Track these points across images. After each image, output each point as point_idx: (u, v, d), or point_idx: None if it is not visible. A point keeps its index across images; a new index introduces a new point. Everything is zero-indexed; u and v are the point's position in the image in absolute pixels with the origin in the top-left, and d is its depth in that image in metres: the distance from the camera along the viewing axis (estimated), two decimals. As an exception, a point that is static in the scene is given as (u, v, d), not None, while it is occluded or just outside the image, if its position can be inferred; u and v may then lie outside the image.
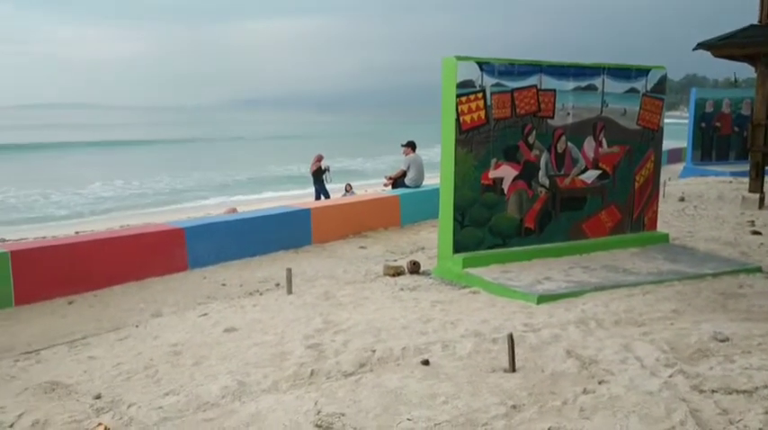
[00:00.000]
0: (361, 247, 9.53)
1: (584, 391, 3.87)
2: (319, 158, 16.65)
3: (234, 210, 13.91)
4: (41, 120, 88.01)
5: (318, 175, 16.49)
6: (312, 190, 16.87)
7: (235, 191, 22.43)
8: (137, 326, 5.95)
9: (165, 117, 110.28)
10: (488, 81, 7.02)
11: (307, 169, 17.01)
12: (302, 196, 17.63)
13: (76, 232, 12.27)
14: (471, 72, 6.92)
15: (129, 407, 3.99)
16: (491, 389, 3.96)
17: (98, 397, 4.22)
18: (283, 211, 9.98)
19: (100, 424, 3.70)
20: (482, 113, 7.02)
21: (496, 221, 7.31)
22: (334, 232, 10.05)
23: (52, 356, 5.25)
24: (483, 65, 6.97)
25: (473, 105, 6.95)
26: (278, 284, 7.35)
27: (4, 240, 12.49)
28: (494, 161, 7.19)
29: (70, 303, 6.96)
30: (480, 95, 6.99)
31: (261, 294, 7.02)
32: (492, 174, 7.21)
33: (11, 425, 3.89)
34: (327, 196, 16.04)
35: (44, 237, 11.69)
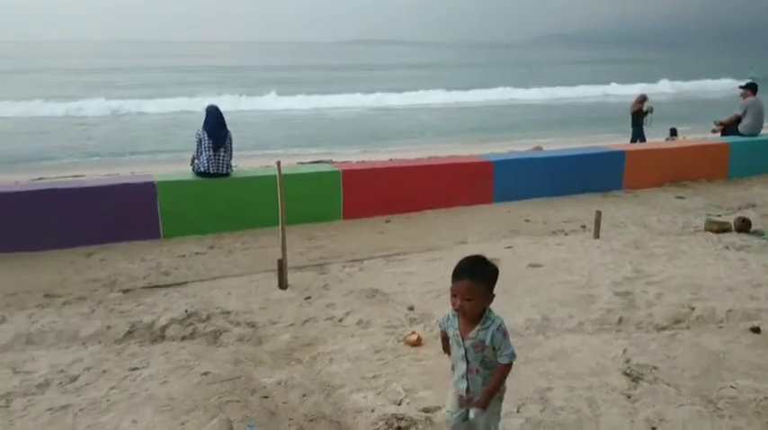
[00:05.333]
0: (679, 197, 8.73)
1: None
2: (642, 99, 15.30)
3: (539, 148, 13.70)
4: (365, 59, 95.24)
5: (638, 117, 15.24)
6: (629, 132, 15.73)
7: (541, 130, 22.02)
8: (444, 250, 6.26)
9: (486, 55, 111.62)
10: None
11: (626, 111, 15.77)
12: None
13: (390, 159, 13.23)
14: None
15: (436, 322, 4.23)
16: (842, 373, 3.37)
17: (411, 308, 4.57)
18: (594, 152, 9.55)
19: (414, 332, 4.00)
20: None
21: None
22: (648, 178, 9.36)
23: (372, 266, 5.80)
24: None
25: None
26: (584, 226, 7.12)
27: (332, 161, 14.02)
28: None
29: (387, 221, 7.58)
30: None
31: (566, 234, 6.87)
32: None
33: (340, 320, 4.42)
34: (643, 140, 14.87)
35: (363, 161, 12.83)
